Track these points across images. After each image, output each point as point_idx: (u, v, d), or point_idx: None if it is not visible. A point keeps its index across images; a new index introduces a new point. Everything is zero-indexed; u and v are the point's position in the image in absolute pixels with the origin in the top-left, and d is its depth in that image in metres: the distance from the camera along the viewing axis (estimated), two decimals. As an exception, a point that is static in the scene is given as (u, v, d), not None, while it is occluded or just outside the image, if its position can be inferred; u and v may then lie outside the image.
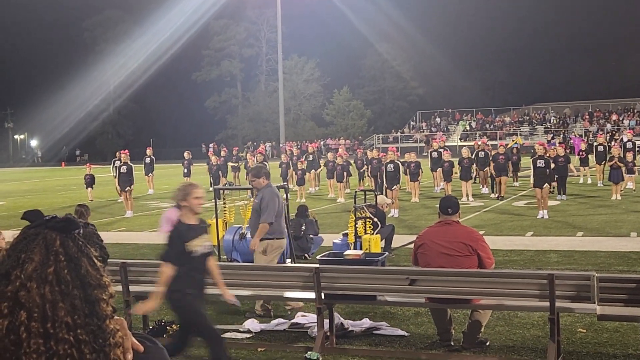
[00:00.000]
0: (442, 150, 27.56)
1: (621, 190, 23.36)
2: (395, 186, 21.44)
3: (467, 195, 23.82)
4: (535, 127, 72.61)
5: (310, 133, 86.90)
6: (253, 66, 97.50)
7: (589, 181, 28.83)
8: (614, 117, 69.81)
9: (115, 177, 25.21)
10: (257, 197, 9.71)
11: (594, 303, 6.96)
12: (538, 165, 19.11)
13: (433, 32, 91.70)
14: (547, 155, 21.43)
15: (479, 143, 29.17)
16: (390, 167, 21.93)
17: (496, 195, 24.40)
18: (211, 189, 30.42)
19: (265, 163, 26.13)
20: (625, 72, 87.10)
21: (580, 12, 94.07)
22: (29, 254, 1.55)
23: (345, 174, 27.11)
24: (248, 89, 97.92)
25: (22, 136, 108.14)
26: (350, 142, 74.20)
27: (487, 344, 7.83)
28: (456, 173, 24.56)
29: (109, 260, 8.59)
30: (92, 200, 27.92)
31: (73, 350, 1.50)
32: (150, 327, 8.79)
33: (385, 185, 22.01)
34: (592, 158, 28.72)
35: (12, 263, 1.55)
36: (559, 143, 33.09)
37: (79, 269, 1.56)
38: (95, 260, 1.62)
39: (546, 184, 18.86)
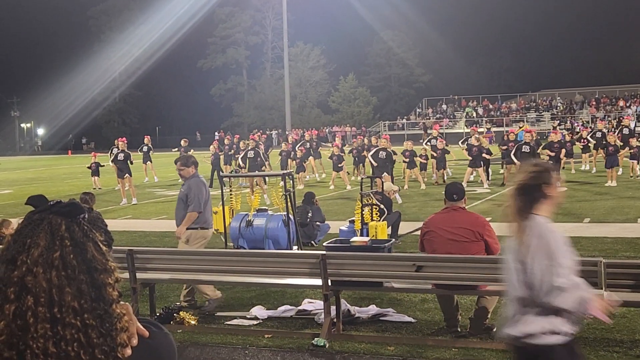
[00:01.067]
0: (436, 138, 27.23)
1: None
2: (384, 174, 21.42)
3: (483, 181, 23.82)
4: (542, 113, 72.36)
5: (316, 120, 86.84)
6: (259, 53, 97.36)
7: (594, 170, 28.80)
8: (621, 103, 69.51)
9: (112, 164, 25.08)
10: (183, 187, 9.72)
11: (601, 289, 6.94)
12: (523, 151, 19.14)
13: (438, 19, 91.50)
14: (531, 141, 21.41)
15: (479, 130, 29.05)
16: (382, 154, 21.95)
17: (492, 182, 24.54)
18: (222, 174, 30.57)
19: (259, 150, 26.11)
20: (632, 58, 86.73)
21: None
22: (34, 239, 1.55)
23: (342, 164, 26.94)
24: (254, 76, 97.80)
25: (28, 125, 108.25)
26: (356, 130, 74.10)
27: (494, 330, 7.82)
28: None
29: (115, 247, 8.62)
30: (99, 188, 27.95)
31: (80, 335, 1.51)
32: (158, 314, 8.81)
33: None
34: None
35: (18, 248, 1.55)
36: (552, 129, 32.96)
37: (85, 254, 1.57)
38: (101, 245, 1.63)
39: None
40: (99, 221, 1.71)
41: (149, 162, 31.78)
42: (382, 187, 14.29)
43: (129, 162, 24.22)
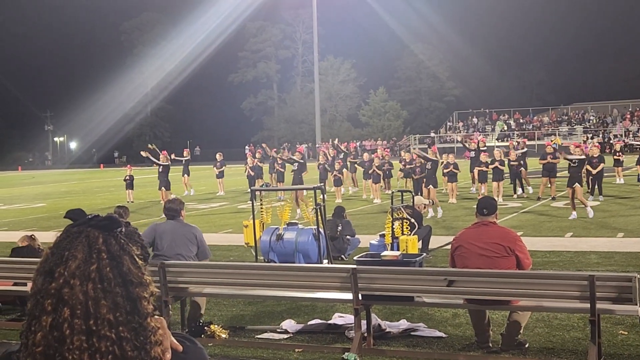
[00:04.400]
0: (480, 151, 27.17)
1: None
2: (430, 186, 21.39)
3: (498, 195, 23.64)
4: (574, 127, 71.75)
5: (347, 134, 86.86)
6: (289, 67, 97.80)
7: (621, 181, 28.57)
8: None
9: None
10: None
11: (636, 305, 6.85)
12: (571, 165, 19.04)
13: (469, 32, 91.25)
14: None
15: (515, 143, 28.88)
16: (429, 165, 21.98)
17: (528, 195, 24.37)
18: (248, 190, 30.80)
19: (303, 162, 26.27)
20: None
21: (619, 10, 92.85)
22: (72, 251, 1.57)
23: (382, 175, 27.08)
24: (284, 90, 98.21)
25: (61, 138, 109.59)
26: (387, 143, 74.03)
27: (527, 345, 7.75)
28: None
29: (159, 253, 8.69)
30: (132, 202, 28.18)
31: (115, 347, 1.52)
32: (189, 328, 8.85)
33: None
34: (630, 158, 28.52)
35: (56, 260, 1.57)
36: (583, 142, 32.69)
37: (121, 267, 1.58)
38: (137, 259, 1.64)
39: (577, 184, 18.62)
40: (135, 235, 1.72)
41: (186, 175, 32.03)
42: (413, 201, 14.25)
43: (167, 175, 24.49)
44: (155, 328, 1.61)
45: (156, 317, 1.65)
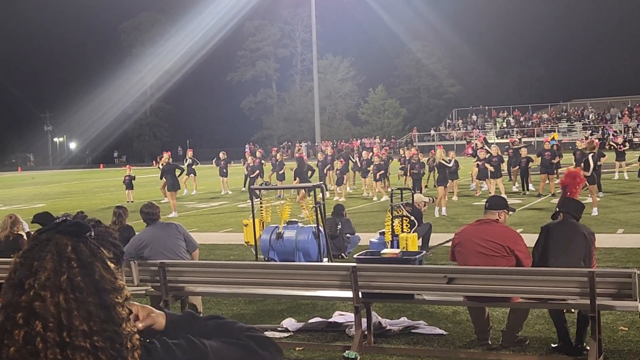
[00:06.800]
0: (479, 149, 27.18)
1: None
2: (444, 183, 21.17)
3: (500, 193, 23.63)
4: (574, 123, 71.76)
5: (346, 132, 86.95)
6: (288, 66, 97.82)
7: (626, 177, 28.63)
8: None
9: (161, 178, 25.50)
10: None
11: (636, 300, 6.85)
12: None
13: (468, 30, 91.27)
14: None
15: (515, 140, 28.89)
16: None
17: (531, 192, 24.31)
18: (244, 189, 30.83)
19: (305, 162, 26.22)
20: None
21: (617, 6, 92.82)
22: (41, 261, 1.54)
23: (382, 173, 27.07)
24: (283, 89, 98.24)
25: (61, 139, 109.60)
26: (387, 141, 74.04)
27: (527, 342, 7.76)
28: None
29: (148, 260, 8.66)
30: (132, 202, 28.16)
31: (90, 357, 1.50)
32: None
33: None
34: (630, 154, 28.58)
35: (25, 272, 1.54)
36: (585, 139, 32.66)
37: (93, 275, 1.56)
38: (109, 263, 1.61)
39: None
40: (107, 235, 1.70)
41: (192, 174, 31.95)
42: (413, 199, 14.24)
43: (174, 175, 24.42)
44: (131, 333, 1.59)
45: (129, 304, 1.64)
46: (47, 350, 1.48)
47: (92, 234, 1.63)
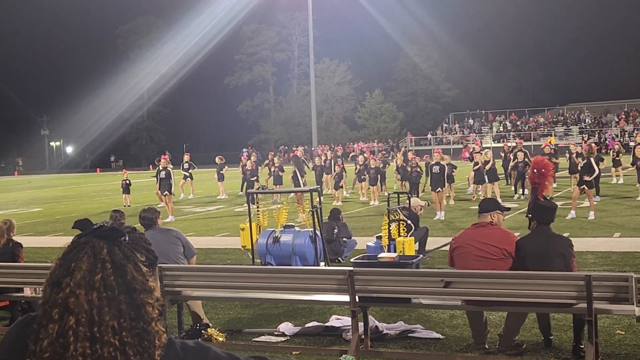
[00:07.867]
0: (475, 153, 27.20)
1: None
2: (439, 188, 21.11)
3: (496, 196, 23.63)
4: (570, 127, 71.87)
5: (343, 136, 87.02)
6: (285, 70, 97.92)
7: (621, 181, 28.72)
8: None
9: (157, 182, 25.36)
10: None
11: (633, 304, 6.85)
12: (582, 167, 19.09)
13: (464, 34, 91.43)
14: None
15: (509, 145, 28.94)
16: (436, 168, 21.72)
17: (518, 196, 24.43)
18: (240, 192, 30.84)
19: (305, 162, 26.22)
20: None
21: (614, 11, 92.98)
22: (77, 262, 1.66)
23: (379, 177, 27.05)
24: (280, 93, 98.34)
25: (57, 143, 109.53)
26: (384, 145, 74.04)
27: (524, 346, 7.75)
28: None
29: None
30: (129, 206, 28.12)
31: (117, 353, 1.59)
32: (185, 332, 8.83)
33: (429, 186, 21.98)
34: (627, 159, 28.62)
35: (63, 272, 1.66)
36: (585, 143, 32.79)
37: (125, 275, 1.66)
38: (141, 266, 1.72)
39: (585, 186, 18.68)
40: (141, 241, 1.77)
41: (189, 179, 31.92)
42: (409, 203, 14.24)
43: (171, 179, 24.34)
44: (161, 332, 1.68)
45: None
46: (77, 344, 1.58)
47: (127, 238, 1.73)
